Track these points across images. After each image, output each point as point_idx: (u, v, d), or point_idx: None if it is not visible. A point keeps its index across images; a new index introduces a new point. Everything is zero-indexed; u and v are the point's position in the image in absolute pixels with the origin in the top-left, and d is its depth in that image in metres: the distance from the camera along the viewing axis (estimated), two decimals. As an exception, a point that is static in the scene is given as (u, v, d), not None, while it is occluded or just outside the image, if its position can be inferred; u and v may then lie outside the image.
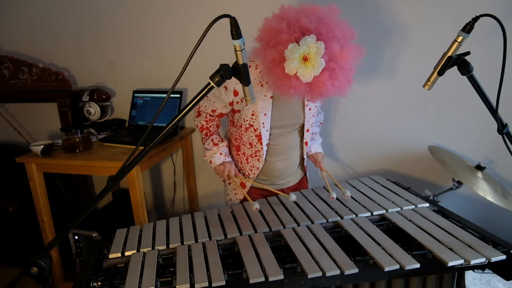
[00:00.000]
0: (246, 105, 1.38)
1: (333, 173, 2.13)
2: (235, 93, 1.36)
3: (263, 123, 1.39)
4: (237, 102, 1.39)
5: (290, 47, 1.10)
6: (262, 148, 1.44)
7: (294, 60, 1.10)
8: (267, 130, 1.41)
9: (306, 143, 1.54)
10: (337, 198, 1.42)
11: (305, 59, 1.10)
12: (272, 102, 1.39)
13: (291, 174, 1.58)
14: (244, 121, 1.42)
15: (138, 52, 2.17)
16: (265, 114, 1.39)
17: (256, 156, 1.47)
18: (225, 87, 1.36)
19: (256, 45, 1.24)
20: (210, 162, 1.50)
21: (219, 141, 1.50)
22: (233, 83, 1.33)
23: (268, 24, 1.18)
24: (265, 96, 1.37)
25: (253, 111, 1.39)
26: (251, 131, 1.43)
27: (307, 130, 1.50)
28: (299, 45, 1.10)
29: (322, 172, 1.56)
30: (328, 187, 1.47)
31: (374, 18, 1.85)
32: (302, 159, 1.59)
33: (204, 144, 1.53)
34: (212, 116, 1.52)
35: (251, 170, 1.52)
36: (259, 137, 1.42)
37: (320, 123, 1.73)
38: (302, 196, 1.49)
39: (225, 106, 1.44)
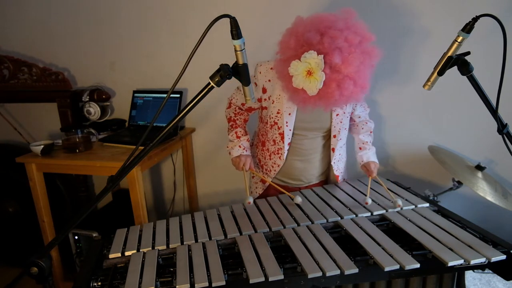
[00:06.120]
0: (272, 103, 1.42)
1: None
2: (264, 90, 1.42)
3: (286, 122, 1.42)
4: (265, 99, 1.45)
5: (292, 64, 1.16)
6: (283, 146, 1.47)
7: (298, 76, 1.16)
8: (290, 130, 1.44)
9: (333, 149, 1.51)
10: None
11: (309, 73, 1.15)
12: None
13: (312, 178, 1.59)
14: (270, 118, 1.46)
15: (138, 52, 2.17)
16: (289, 114, 1.41)
17: (278, 153, 1.51)
18: (255, 83, 1.43)
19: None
20: (230, 153, 1.55)
21: (242, 134, 1.56)
22: (262, 80, 1.41)
23: (282, 39, 1.25)
24: None
25: (278, 109, 1.42)
26: (275, 129, 1.46)
27: (334, 136, 1.48)
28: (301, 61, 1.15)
29: (370, 178, 1.51)
30: (367, 192, 1.43)
31: (374, 20, 1.85)
32: (325, 164, 1.59)
33: (228, 134, 1.59)
34: (241, 109, 1.58)
35: (272, 166, 1.56)
36: (282, 136, 1.45)
37: (371, 132, 1.64)
38: (302, 196, 1.49)
39: (255, 102, 1.49)
